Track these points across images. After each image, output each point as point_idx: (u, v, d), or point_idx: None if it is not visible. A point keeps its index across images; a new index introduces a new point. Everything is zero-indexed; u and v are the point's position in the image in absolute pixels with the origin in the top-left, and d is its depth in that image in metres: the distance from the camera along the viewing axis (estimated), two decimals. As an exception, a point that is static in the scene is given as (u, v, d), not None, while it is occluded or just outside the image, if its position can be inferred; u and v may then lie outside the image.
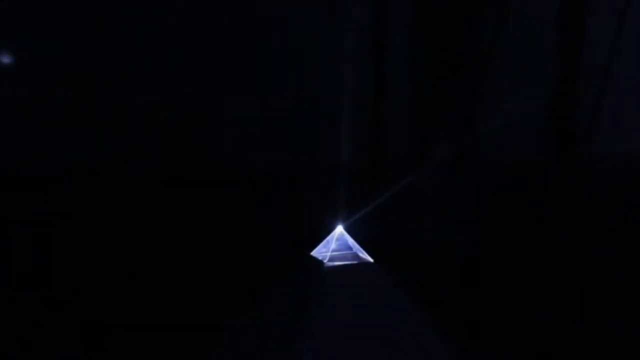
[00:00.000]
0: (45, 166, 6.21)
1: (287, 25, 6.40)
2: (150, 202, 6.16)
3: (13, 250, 5.90)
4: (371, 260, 4.86)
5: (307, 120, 6.31)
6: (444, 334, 4.31)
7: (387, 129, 6.63)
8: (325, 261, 4.80)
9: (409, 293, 4.61)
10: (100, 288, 5.66)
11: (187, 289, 5.73)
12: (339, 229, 4.98)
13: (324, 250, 4.91)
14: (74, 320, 5.26)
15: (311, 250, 4.94)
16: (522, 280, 5.85)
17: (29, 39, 6.09)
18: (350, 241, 4.97)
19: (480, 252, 6.10)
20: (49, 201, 6.14)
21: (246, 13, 6.38)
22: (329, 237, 4.96)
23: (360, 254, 4.91)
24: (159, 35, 6.25)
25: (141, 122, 6.17)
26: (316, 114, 6.34)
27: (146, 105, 6.19)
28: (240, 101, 6.33)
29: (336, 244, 4.93)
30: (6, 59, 5.99)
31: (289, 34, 6.39)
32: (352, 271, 4.78)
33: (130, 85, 6.24)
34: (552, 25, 6.34)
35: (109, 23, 6.23)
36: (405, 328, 4.44)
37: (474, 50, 6.56)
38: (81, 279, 5.75)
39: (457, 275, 5.95)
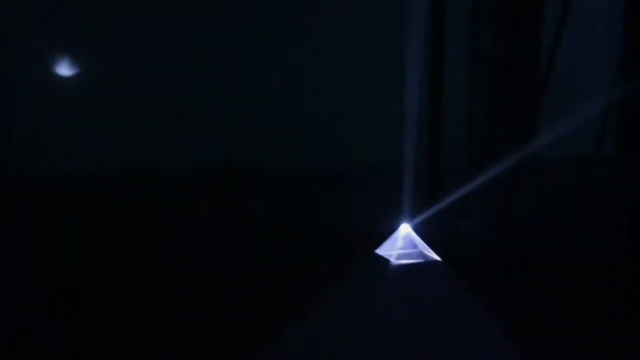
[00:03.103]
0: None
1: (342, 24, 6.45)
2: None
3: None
4: (438, 258, 4.86)
5: (366, 118, 6.35)
6: (510, 334, 4.32)
7: (446, 129, 6.62)
8: (391, 260, 4.82)
9: (475, 291, 4.61)
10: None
11: (250, 289, 5.84)
12: (405, 228, 4.98)
13: (390, 248, 4.91)
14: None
15: (377, 249, 4.95)
16: (587, 280, 5.79)
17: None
18: (417, 240, 4.96)
19: (545, 252, 6.05)
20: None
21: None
22: (394, 236, 4.96)
23: (427, 253, 4.90)
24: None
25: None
26: (375, 112, 6.38)
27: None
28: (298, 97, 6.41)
29: (402, 243, 4.92)
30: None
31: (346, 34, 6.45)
32: (419, 270, 4.79)
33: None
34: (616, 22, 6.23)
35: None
36: (472, 327, 4.45)
37: (535, 50, 6.52)
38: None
39: (522, 274, 5.91)
